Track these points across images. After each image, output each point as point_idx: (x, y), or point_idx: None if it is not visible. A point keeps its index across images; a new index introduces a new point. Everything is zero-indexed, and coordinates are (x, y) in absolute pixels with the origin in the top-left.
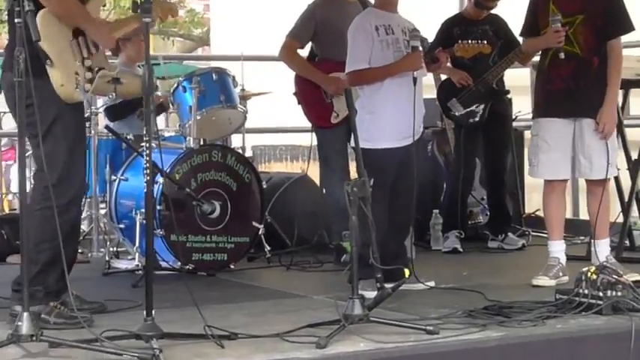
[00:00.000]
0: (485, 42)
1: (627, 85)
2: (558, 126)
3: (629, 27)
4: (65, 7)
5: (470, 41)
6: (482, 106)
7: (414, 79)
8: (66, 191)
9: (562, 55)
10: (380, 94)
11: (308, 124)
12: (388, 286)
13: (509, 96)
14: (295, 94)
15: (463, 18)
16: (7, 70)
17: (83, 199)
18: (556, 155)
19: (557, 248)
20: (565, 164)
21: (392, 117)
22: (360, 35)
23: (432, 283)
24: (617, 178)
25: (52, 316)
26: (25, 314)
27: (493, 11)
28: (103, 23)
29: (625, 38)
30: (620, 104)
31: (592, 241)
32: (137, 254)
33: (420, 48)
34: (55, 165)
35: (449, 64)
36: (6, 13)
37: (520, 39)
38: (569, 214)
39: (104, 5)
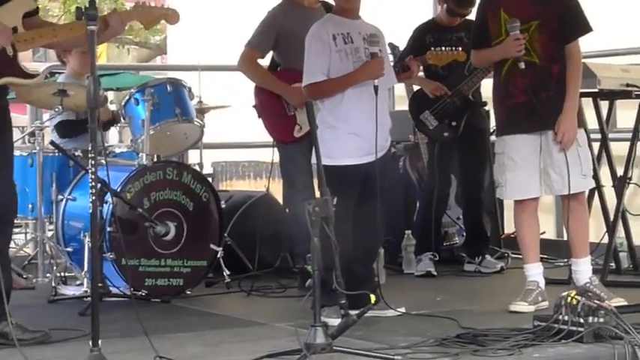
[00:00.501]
0: (460, 49)
1: (612, 95)
2: (523, 142)
3: (587, 28)
4: None
5: (443, 48)
6: (457, 120)
7: (375, 88)
8: None
9: (522, 65)
10: (341, 106)
11: (271, 139)
12: (353, 312)
13: (486, 108)
14: (255, 106)
15: (436, 24)
16: None
17: (20, 220)
18: (524, 173)
19: (535, 271)
20: (535, 181)
21: (353, 131)
22: (315, 45)
23: (402, 309)
24: (601, 196)
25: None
26: None
27: (468, 17)
28: None
29: (609, 45)
30: (604, 117)
31: (577, 260)
32: (85, 280)
33: (382, 54)
34: None
35: (421, 74)
36: None
37: None
38: (551, 235)
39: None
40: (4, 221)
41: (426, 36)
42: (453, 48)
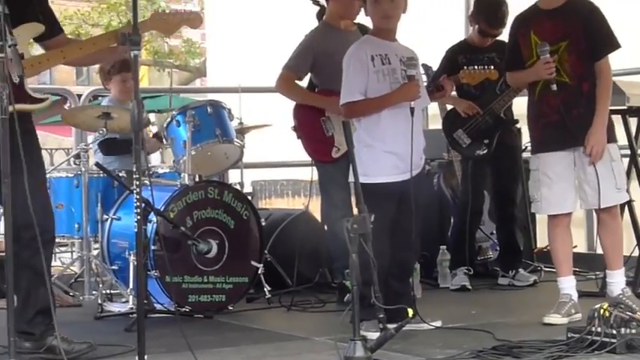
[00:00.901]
0: (492, 67)
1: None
2: (558, 158)
3: (615, 45)
4: None
5: (476, 67)
6: (489, 137)
7: (412, 110)
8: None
9: (554, 87)
10: (378, 126)
11: (309, 158)
12: (391, 326)
13: (517, 126)
14: (294, 128)
15: (468, 45)
16: None
17: (66, 239)
18: (559, 188)
19: (568, 284)
20: (570, 196)
21: (389, 150)
22: (354, 65)
23: (438, 323)
24: (631, 210)
25: None
26: None
27: (499, 37)
28: None
29: (638, 63)
30: (634, 133)
31: (611, 272)
32: (131, 297)
33: (418, 77)
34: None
35: (454, 93)
36: None
37: None
38: (582, 249)
39: None
40: (42, 240)
41: (458, 56)
42: (485, 67)
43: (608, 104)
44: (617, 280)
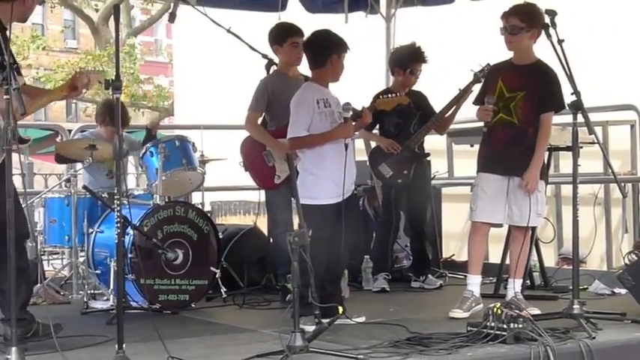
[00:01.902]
0: (402, 93)
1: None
2: (494, 180)
3: (560, 106)
4: None
5: (389, 95)
6: (408, 169)
7: (346, 145)
8: None
9: (485, 130)
10: (320, 157)
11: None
12: (325, 321)
13: (428, 158)
14: (242, 163)
15: (390, 92)
16: None
17: (58, 248)
18: (491, 203)
19: (474, 282)
20: (498, 212)
21: (329, 178)
22: (303, 106)
23: (363, 318)
24: (533, 231)
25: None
26: (14, 349)
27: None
28: None
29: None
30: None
31: (511, 279)
32: (111, 296)
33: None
34: None
35: (376, 131)
36: None
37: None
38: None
39: None
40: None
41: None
42: (397, 94)
43: (544, 149)
44: (514, 286)
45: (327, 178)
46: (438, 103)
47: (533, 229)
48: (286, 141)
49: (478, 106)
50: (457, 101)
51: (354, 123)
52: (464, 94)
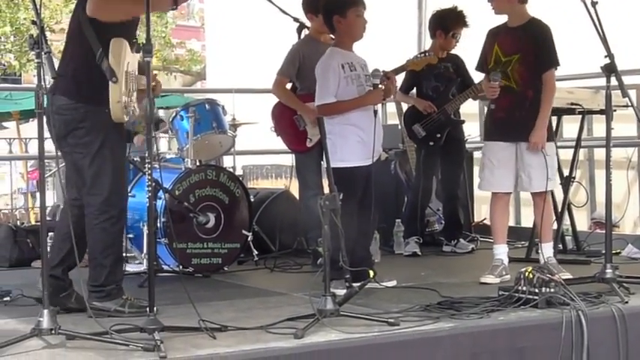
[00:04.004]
0: (432, 54)
1: (559, 112)
2: (500, 148)
3: (555, 62)
4: (113, 8)
5: (419, 55)
6: (441, 132)
7: (375, 112)
8: (116, 203)
9: (492, 107)
10: (350, 121)
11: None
12: (356, 285)
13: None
14: (273, 127)
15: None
16: (60, 95)
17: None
18: (499, 172)
19: (501, 251)
20: (508, 180)
21: (358, 140)
22: (329, 73)
23: (393, 283)
24: (552, 192)
25: (126, 307)
26: (45, 311)
27: (453, 52)
28: None
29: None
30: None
31: (540, 244)
32: (144, 260)
33: (380, 85)
34: (104, 182)
35: (414, 92)
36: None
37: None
38: (511, 222)
39: None
40: (125, 212)
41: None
42: (427, 54)
43: (549, 109)
44: (545, 251)
45: (356, 141)
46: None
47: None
48: (315, 107)
49: (483, 75)
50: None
51: (381, 86)
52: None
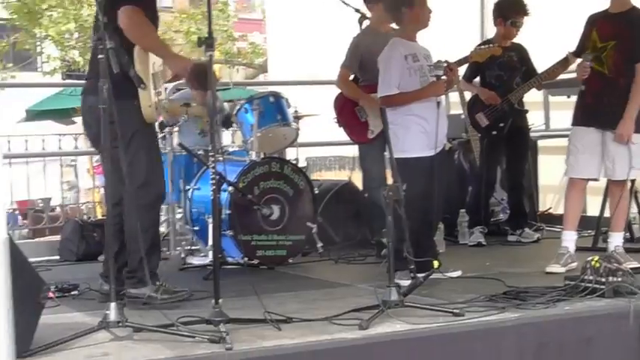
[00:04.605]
0: (497, 45)
1: None
2: (586, 133)
3: None
4: (147, 38)
5: (482, 46)
6: (504, 122)
7: (438, 103)
8: (152, 191)
9: (582, 88)
10: (410, 112)
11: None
12: (420, 275)
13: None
14: (335, 119)
15: (488, 43)
16: (89, 94)
17: (162, 206)
18: (583, 157)
19: (569, 237)
20: (592, 165)
21: (421, 130)
22: (391, 64)
23: (458, 273)
24: (632, 185)
25: (159, 293)
26: (113, 304)
27: (516, 41)
28: (176, 55)
29: None
30: None
31: (609, 233)
32: (209, 252)
33: (443, 76)
34: (140, 170)
35: (477, 80)
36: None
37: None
38: None
39: None
40: (159, 202)
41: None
42: (490, 45)
43: (639, 100)
44: (614, 240)
45: (419, 131)
46: (539, 61)
47: (632, 181)
48: (377, 99)
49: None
50: (564, 66)
51: (444, 78)
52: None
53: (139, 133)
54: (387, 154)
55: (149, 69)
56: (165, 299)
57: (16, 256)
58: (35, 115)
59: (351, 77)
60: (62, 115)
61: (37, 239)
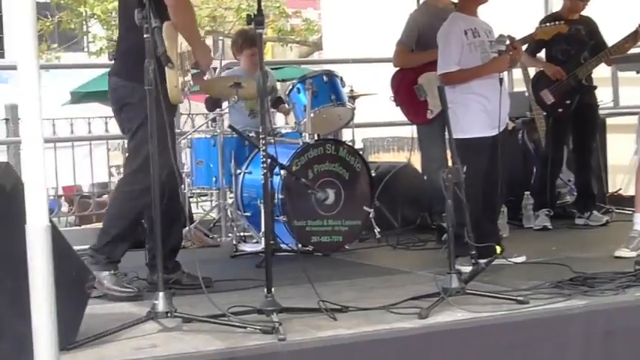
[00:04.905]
0: (562, 22)
1: None
2: None
3: None
4: (188, 23)
5: (548, 24)
6: (571, 99)
7: (500, 80)
8: (142, 180)
9: None
10: (473, 89)
11: None
12: (482, 261)
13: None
14: (392, 98)
15: (559, 17)
16: (114, 75)
17: (206, 190)
18: None
19: None
20: None
21: (481, 109)
22: (451, 40)
23: (523, 258)
24: None
25: (111, 283)
26: (161, 294)
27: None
28: (207, 47)
29: None
30: None
31: None
32: (261, 239)
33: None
34: (139, 156)
35: (541, 55)
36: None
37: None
38: None
39: None
40: (149, 191)
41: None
42: (557, 23)
43: None
44: None
45: (479, 110)
46: (608, 35)
47: None
48: (437, 77)
49: None
50: (635, 39)
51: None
52: None
53: (150, 119)
54: (447, 134)
55: (177, 48)
56: (111, 289)
57: (61, 244)
58: (81, 97)
59: None
60: (109, 98)
61: (83, 226)
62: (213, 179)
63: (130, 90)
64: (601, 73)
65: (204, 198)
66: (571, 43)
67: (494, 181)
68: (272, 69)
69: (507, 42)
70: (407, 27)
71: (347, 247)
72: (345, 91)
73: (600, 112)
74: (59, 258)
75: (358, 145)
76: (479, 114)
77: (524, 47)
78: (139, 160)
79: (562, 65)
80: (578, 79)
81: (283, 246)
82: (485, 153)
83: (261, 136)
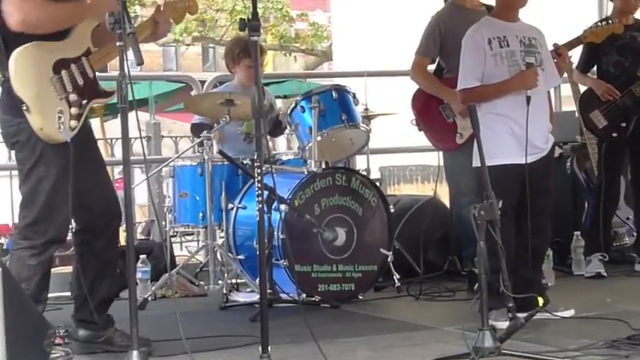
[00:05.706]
0: (617, 21)
1: None
2: None
3: None
4: (56, 20)
5: (599, 24)
6: (627, 120)
7: (528, 98)
8: (44, 231)
9: None
10: (497, 108)
11: None
12: (521, 315)
13: None
14: (415, 120)
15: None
16: None
17: (192, 228)
18: None
19: None
20: None
21: (508, 131)
22: (470, 50)
23: (571, 312)
24: None
25: None
26: (134, 352)
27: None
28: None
29: None
30: None
31: None
32: (257, 287)
33: (538, 62)
34: (34, 204)
35: (594, 71)
36: None
37: None
38: None
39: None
40: (56, 243)
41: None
42: (610, 21)
43: None
44: None
45: (506, 133)
46: None
47: None
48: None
49: None
50: None
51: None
52: None
53: (44, 158)
54: (475, 162)
55: (35, 81)
56: None
57: (14, 293)
58: None
59: (433, 68)
60: None
61: None
62: (200, 215)
63: (16, 126)
64: None
65: (189, 237)
66: (624, 54)
67: (536, 219)
68: (271, 83)
69: (536, 53)
70: (426, 31)
71: (360, 297)
72: (358, 110)
73: None
74: (12, 309)
75: (374, 175)
76: (505, 137)
77: (574, 64)
78: (35, 208)
79: (615, 81)
80: (634, 96)
81: (283, 295)
82: (514, 184)
83: (256, 164)
